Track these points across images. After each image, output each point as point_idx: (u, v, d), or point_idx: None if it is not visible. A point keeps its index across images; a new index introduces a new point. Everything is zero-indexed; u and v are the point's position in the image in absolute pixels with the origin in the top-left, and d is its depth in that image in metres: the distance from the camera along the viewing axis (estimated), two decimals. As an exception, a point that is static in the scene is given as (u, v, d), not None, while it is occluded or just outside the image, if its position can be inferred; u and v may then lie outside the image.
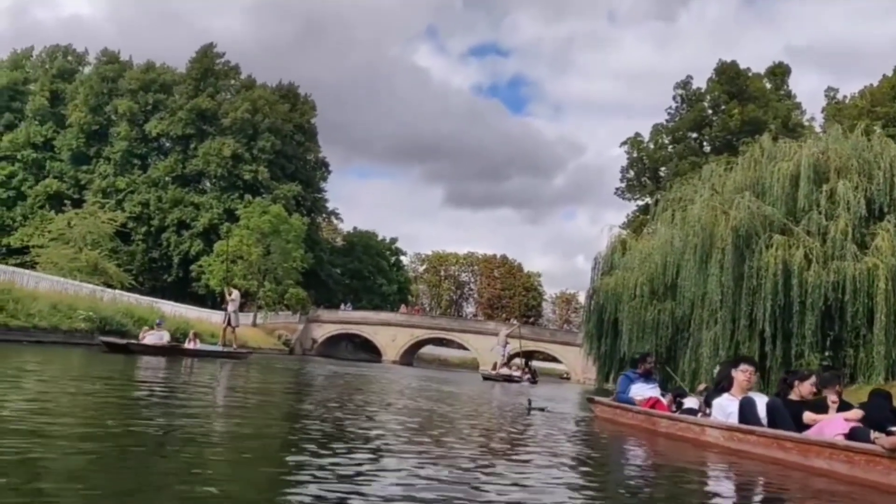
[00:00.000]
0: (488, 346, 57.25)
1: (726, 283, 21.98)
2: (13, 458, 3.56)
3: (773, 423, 6.97)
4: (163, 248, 62.25)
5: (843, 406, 6.89)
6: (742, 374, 7.90)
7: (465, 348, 64.99)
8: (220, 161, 61.89)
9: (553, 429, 9.07)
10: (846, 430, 6.21)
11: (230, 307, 24.69)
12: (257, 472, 4.20)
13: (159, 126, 63.66)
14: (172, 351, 19.35)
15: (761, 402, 7.43)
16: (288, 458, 4.69)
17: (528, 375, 31.61)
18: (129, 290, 38.20)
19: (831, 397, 7.07)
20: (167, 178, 63.77)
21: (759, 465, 6.46)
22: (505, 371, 31.31)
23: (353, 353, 60.99)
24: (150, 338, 19.40)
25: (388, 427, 7.46)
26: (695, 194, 27.67)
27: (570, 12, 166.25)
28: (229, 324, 24.87)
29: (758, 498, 5.26)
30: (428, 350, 72.35)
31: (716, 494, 5.28)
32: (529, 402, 11.74)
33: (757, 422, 7.18)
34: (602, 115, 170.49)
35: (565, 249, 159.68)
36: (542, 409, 11.26)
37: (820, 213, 21.81)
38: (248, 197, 59.33)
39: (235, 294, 25.25)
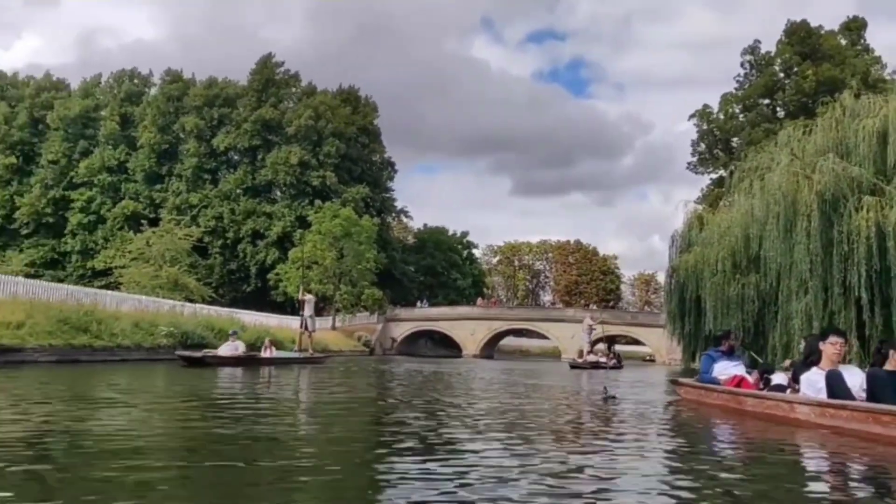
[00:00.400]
0: (569, 333, 56.65)
1: (815, 251, 20.86)
2: (105, 477, 3.73)
3: (872, 395, 6.62)
4: (239, 259, 63.55)
5: None
6: (831, 347, 7.49)
7: (545, 337, 64.30)
8: (288, 169, 62.79)
9: (640, 414, 8.96)
10: None
11: (306, 312, 24.86)
12: (350, 480, 4.13)
13: (226, 140, 65.02)
14: (249, 361, 19.35)
15: (852, 374, 7.15)
16: (379, 464, 4.60)
17: (613, 360, 31.07)
18: (209, 303, 38.82)
19: None
20: (238, 191, 65.10)
21: (854, 441, 6.12)
22: (591, 358, 30.73)
23: (432, 350, 60.95)
24: (226, 349, 19.45)
25: (476, 425, 7.30)
26: (771, 161, 26.51)
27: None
28: (306, 329, 25.01)
29: (857, 477, 4.88)
30: (508, 341, 71.94)
31: (812, 475, 5.02)
32: (605, 388, 11.27)
33: (847, 395, 6.87)
34: (666, 89, 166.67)
35: (640, 230, 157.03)
36: (613, 398, 10.76)
37: (913, 169, 20.49)
38: (317, 202, 59.89)
39: (310, 298, 25.39)
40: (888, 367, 6.85)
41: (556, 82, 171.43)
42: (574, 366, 29.79)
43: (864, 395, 6.82)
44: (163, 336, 21.00)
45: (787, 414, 7.67)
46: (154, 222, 55.79)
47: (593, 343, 37.00)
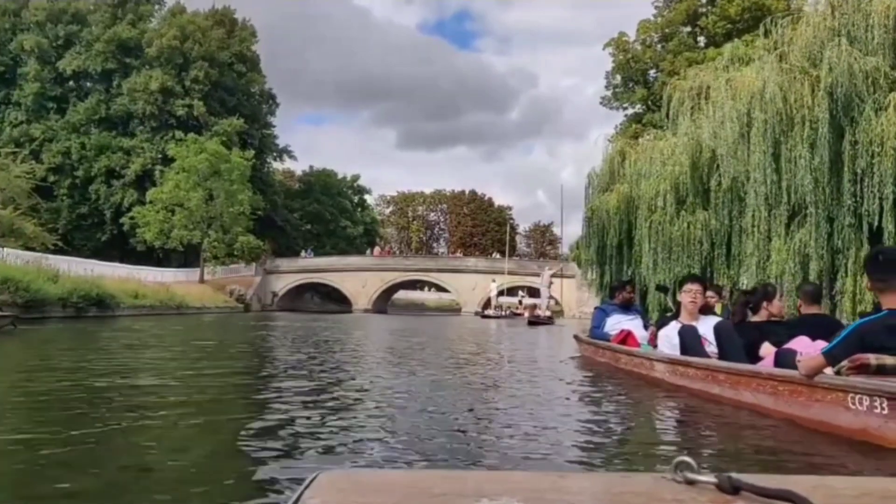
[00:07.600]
0: (470, 284, 51.91)
1: (819, 168, 15.90)
2: None
3: (721, 350, 5.89)
4: (91, 202, 54.31)
5: None
6: (686, 296, 6.59)
7: (442, 290, 59.19)
8: (148, 97, 53.70)
9: (537, 372, 8.49)
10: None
11: None
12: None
13: (75, 62, 55.05)
14: None
15: (709, 326, 6.18)
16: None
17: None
18: (53, 252, 31.80)
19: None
20: (90, 123, 55.47)
21: (697, 402, 5.53)
22: (548, 313, 26.99)
23: (319, 305, 55.10)
24: None
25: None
26: (716, 80, 21.80)
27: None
28: None
29: (667, 442, 4.27)
30: (402, 295, 66.85)
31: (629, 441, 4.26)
32: None
33: (698, 351, 6.10)
34: (552, 43, 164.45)
35: (526, 184, 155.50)
36: None
37: (945, 61, 15.63)
38: (179, 134, 51.30)
39: None
40: (757, 318, 6.13)
41: (441, 34, 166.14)
42: (533, 322, 26.50)
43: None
44: None
45: (648, 372, 7.04)
46: (-15, 158, 46.74)
47: (499, 294, 34.13)
